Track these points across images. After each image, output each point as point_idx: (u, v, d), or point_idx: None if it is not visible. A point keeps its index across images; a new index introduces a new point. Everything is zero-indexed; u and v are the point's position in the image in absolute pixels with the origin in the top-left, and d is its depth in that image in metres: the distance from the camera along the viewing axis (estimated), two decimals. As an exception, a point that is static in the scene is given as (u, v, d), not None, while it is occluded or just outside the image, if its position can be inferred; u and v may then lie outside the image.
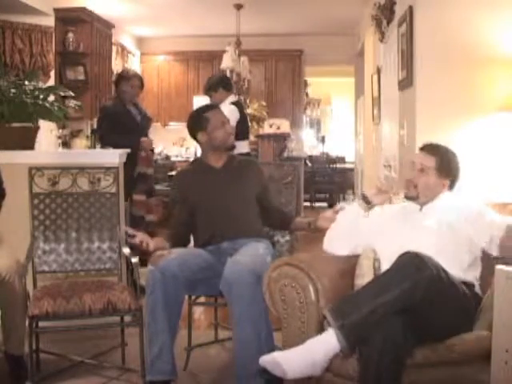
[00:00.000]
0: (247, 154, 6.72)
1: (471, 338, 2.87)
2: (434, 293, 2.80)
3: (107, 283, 3.95)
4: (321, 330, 3.12)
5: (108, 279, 4.11)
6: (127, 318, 4.02)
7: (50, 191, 4.19)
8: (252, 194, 4.04)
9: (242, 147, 6.60)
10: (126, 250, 4.13)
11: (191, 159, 6.71)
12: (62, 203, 4.19)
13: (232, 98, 6.84)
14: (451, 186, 3.42)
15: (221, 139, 4.02)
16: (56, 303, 3.60)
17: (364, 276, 3.36)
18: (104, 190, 4.29)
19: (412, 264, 2.84)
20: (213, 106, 4.24)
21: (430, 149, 3.44)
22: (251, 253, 3.68)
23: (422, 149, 3.46)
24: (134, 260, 3.92)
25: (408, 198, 3.42)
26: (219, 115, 4.08)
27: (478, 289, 3.18)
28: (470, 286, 3.12)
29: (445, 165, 3.38)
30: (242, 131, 6.57)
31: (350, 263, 3.45)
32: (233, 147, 4.14)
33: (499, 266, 2.51)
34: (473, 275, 3.20)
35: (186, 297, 3.89)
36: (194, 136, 4.12)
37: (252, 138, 8.86)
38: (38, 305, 3.61)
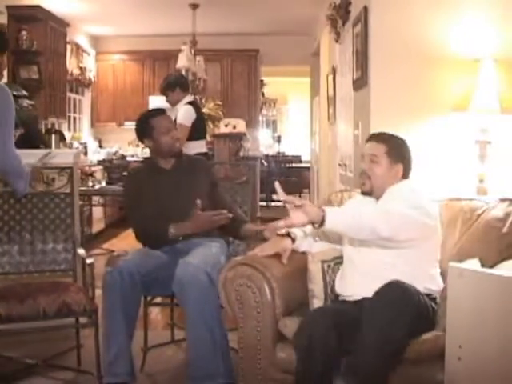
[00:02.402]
0: (205, 154, 6.70)
1: (428, 337, 2.87)
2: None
3: (62, 284, 3.92)
4: (276, 328, 3.14)
5: (63, 280, 4.07)
6: (82, 320, 3.98)
7: (3, 192, 4.13)
8: (203, 193, 4.03)
9: (200, 147, 6.58)
10: (81, 251, 4.09)
11: (145, 157, 6.68)
12: (15, 204, 4.14)
13: (188, 97, 6.82)
14: (405, 174, 3.33)
15: (166, 145, 4.00)
16: (9, 305, 3.55)
17: (312, 280, 3.37)
18: (58, 190, 4.25)
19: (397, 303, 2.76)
20: (159, 112, 4.18)
21: (378, 137, 3.39)
22: (203, 253, 3.68)
23: (370, 139, 3.40)
24: (90, 261, 3.89)
25: (364, 193, 3.34)
26: (165, 121, 4.05)
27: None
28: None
29: (395, 149, 3.30)
30: (198, 131, 6.55)
31: (304, 262, 3.44)
32: (180, 152, 4.11)
33: (452, 263, 2.55)
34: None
35: (142, 297, 3.87)
36: (141, 141, 4.12)
37: (208, 137, 8.84)
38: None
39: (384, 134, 3.41)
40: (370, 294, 2.97)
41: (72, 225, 4.20)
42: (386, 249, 3.05)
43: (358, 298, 3.09)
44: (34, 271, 4.16)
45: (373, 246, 3.08)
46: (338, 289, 3.25)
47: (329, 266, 3.38)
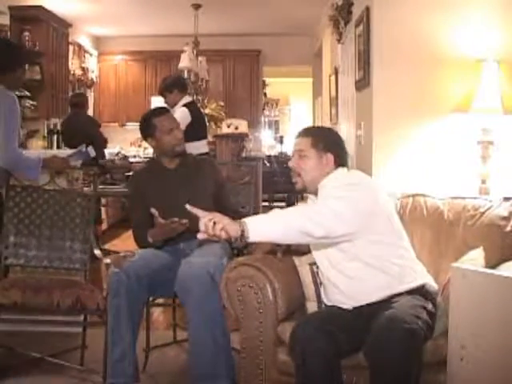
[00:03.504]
0: (206, 154, 6.71)
1: (428, 347, 2.81)
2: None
3: (76, 282, 3.95)
4: (278, 329, 3.14)
5: (76, 279, 4.10)
6: (91, 318, 3.99)
7: (27, 185, 4.16)
8: (207, 193, 4.03)
9: (201, 147, 6.59)
10: (98, 252, 4.10)
11: (150, 157, 6.71)
12: (38, 199, 4.17)
13: (186, 98, 6.82)
14: (340, 161, 3.22)
15: (169, 145, 4.00)
16: (25, 295, 3.58)
17: (303, 283, 3.34)
18: (81, 189, 4.27)
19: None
20: (163, 111, 4.19)
21: (303, 131, 3.31)
22: (206, 254, 3.67)
23: (297, 135, 3.30)
24: (106, 261, 3.89)
25: (299, 191, 3.28)
26: (167, 121, 4.05)
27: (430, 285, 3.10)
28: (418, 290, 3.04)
29: (320, 139, 3.20)
30: (199, 131, 6.55)
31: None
32: (182, 152, 4.11)
33: (455, 264, 2.54)
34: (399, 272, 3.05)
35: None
36: (144, 140, 4.13)
37: (210, 138, 8.85)
38: (5, 295, 3.59)
39: (310, 127, 3.39)
40: (357, 304, 3.02)
41: (90, 225, 4.20)
42: (343, 251, 3.03)
43: (349, 307, 3.07)
44: (49, 266, 4.16)
45: (329, 250, 3.07)
46: (326, 302, 3.22)
47: (318, 267, 3.29)
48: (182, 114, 6.45)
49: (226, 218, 2.68)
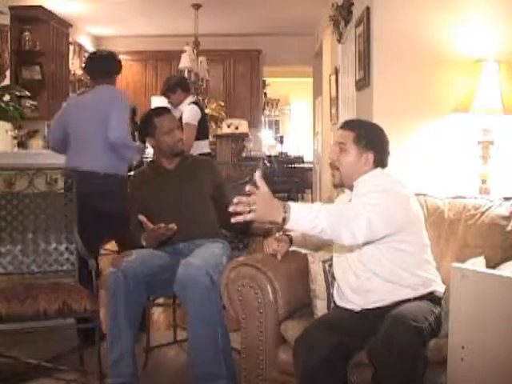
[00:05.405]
0: (208, 154, 6.70)
1: (431, 347, 2.80)
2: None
3: (63, 285, 3.92)
4: (278, 329, 3.14)
5: (65, 281, 4.07)
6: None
7: (6, 193, 4.13)
8: (206, 193, 4.03)
9: (203, 147, 6.58)
10: (83, 251, 4.09)
11: (149, 159, 6.69)
12: (19, 204, 4.14)
13: (191, 98, 6.80)
14: (380, 162, 3.14)
15: (168, 145, 4.01)
16: (10, 305, 3.55)
17: (314, 280, 3.33)
18: (61, 190, 4.24)
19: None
20: (163, 111, 4.17)
21: (348, 124, 3.22)
22: (205, 254, 3.67)
23: (340, 127, 3.20)
24: (92, 261, 3.89)
25: (335, 185, 3.20)
26: (168, 121, 4.05)
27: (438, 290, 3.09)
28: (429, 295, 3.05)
29: (363, 135, 3.09)
30: (202, 131, 6.54)
31: (305, 262, 3.40)
32: (182, 152, 4.11)
33: (455, 264, 2.54)
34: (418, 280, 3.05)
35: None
36: (142, 141, 4.12)
37: (210, 138, 8.86)
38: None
39: (356, 120, 3.31)
40: (367, 306, 3.01)
41: (74, 225, 4.19)
42: (362, 259, 3.03)
43: (358, 308, 3.06)
44: (37, 272, 4.14)
45: (355, 252, 3.05)
46: (338, 301, 3.20)
47: (330, 266, 3.31)
48: (192, 111, 6.44)
49: (265, 207, 2.79)
